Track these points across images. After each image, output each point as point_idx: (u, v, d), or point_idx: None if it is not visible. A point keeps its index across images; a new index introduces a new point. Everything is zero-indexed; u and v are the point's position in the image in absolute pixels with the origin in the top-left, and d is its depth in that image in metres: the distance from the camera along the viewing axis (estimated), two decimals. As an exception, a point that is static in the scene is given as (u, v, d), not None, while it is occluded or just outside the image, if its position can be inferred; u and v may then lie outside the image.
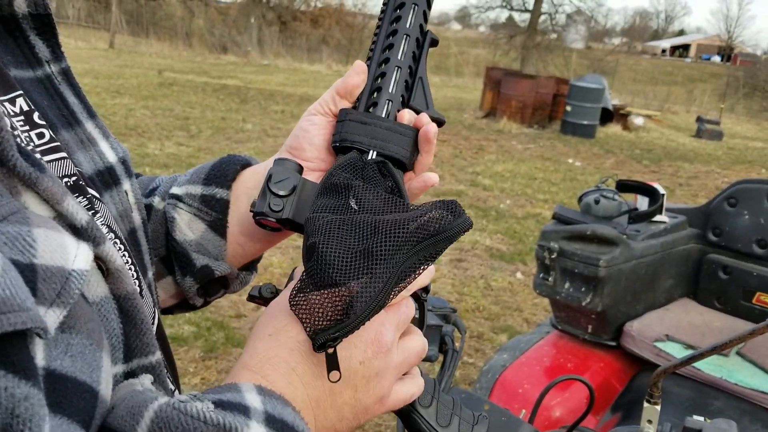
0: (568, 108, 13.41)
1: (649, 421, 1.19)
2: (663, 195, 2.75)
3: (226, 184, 0.78)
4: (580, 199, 2.77)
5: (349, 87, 0.72)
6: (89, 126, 0.62)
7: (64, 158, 0.54)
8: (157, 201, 0.81)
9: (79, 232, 0.46)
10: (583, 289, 2.53)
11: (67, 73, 0.62)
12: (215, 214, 0.77)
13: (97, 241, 0.47)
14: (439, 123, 0.74)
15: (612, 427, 2.29)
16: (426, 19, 0.77)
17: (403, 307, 0.60)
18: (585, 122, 13.38)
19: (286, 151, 0.75)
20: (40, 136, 0.53)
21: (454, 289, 5.19)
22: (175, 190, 0.80)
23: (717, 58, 57.02)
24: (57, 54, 0.61)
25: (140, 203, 0.68)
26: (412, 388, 0.62)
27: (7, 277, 0.36)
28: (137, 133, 9.50)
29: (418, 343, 0.62)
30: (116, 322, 0.51)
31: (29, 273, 0.39)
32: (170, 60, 20.98)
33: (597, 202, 2.68)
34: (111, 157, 0.63)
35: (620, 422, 2.33)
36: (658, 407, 1.23)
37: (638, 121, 15.36)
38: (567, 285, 2.56)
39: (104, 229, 0.55)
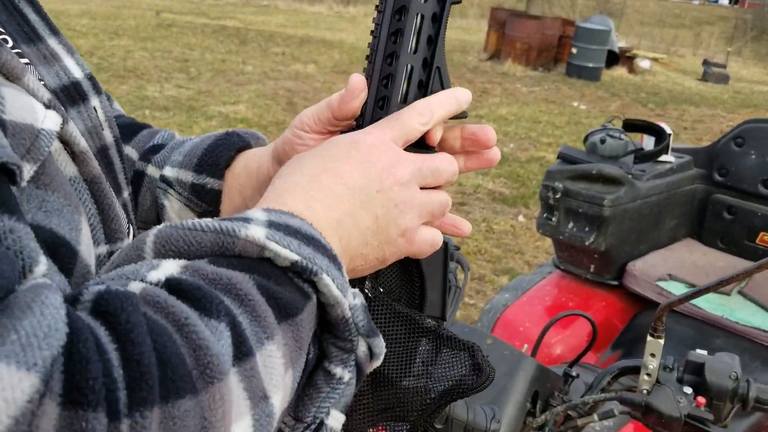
0: (574, 50, 13.17)
1: (653, 355, 1.19)
2: (670, 135, 2.71)
3: (218, 173, 0.73)
4: (585, 139, 2.74)
5: (346, 112, 0.62)
6: (52, 42, 0.58)
7: (28, 64, 0.52)
8: (150, 169, 0.77)
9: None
10: (586, 228, 2.52)
11: None
12: (205, 205, 0.74)
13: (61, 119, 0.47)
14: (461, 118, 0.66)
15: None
16: None
17: (432, 158, 0.60)
18: (590, 65, 13.17)
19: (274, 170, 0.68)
20: (4, 42, 0.51)
21: (456, 232, 5.20)
22: (167, 172, 0.75)
23: (725, 1, 55.89)
24: None
25: (111, 121, 0.63)
26: (436, 235, 0.62)
27: None
28: (136, 75, 9.38)
29: (442, 194, 0.61)
30: (90, 201, 0.51)
31: None
32: (168, 0, 20.55)
33: (603, 141, 2.65)
34: (77, 73, 0.59)
35: (621, 359, 2.36)
36: (662, 341, 1.23)
37: (644, 64, 15.12)
38: (571, 225, 2.56)
39: None
